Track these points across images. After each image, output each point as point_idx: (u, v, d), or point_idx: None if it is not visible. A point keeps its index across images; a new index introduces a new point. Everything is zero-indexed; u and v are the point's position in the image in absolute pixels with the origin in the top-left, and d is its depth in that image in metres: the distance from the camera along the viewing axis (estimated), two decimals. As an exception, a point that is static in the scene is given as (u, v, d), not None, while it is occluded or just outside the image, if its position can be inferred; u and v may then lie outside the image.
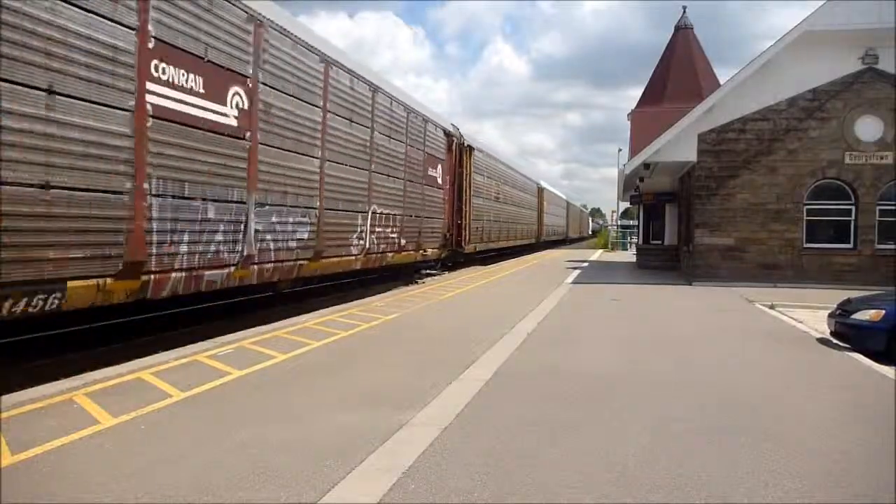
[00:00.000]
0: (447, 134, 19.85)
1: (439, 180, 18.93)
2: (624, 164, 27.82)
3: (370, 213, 13.73)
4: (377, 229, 14.12)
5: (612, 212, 68.46)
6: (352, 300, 13.22)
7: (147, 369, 6.69)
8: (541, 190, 41.55)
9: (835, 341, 8.98)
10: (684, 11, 29.85)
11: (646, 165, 19.11)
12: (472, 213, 22.37)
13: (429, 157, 17.84)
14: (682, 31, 29.47)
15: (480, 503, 3.68)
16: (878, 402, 6.03)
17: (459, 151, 21.08)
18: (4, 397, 5.48)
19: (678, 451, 4.52)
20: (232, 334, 8.85)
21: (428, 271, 20.93)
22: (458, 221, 21.05)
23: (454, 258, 22.10)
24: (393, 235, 15.17)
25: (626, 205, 45.08)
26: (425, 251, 17.71)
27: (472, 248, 23.58)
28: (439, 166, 18.85)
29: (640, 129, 26.40)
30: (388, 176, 14.77)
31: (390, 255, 15.13)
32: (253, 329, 9.30)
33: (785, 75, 17.36)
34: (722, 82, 22.22)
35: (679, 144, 18.21)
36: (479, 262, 26.96)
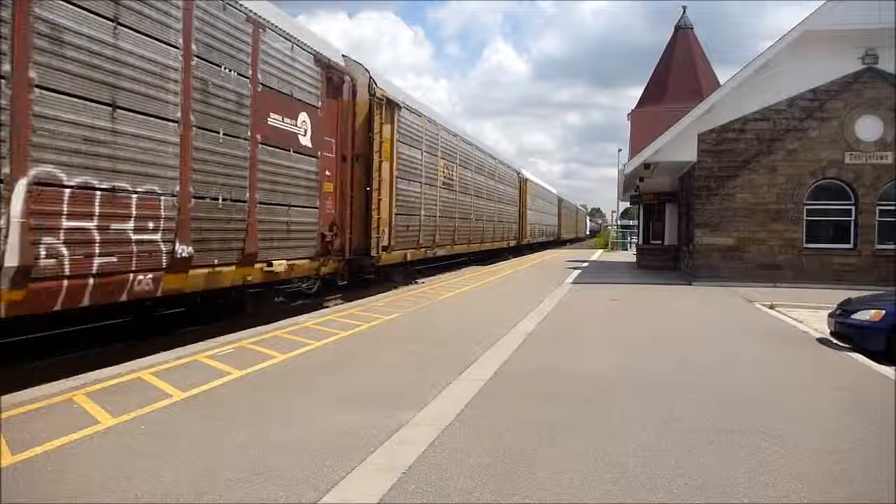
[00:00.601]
0: (327, 66, 11.56)
1: (306, 141, 10.87)
2: (624, 164, 27.82)
3: (22, 187, 5.93)
4: (67, 223, 6.40)
5: (612, 212, 68.45)
6: (352, 300, 13.22)
7: (147, 369, 6.69)
8: (523, 181, 34.67)
9: (835, 341, 8.98)
10: (684, 11, 29.90)
11: (646, 165, 19.11)
12: (394, 204, 14.92)
13: (270, 94, 9.75)
14: (682, 31, 29.47)
15: (480, 503, 3.69)
16: (878, 402, 6.03)
17: (369, 106, 13.41)
18: (4, 397, 5.48)
19: (678, 451, 4.52)
20: (232, 334, 8.85)
21: (301, 299, 13.02)
22: (369, 215, 13.48)
23: (357, 272, 14.03)
24: (150, 237, 7.42)
25: (626, 205, 45.11)
26: (270, 265, 9.84)
27: (400, 257, 15.81)
28: (304, 117, 10.75)
29: (640, 129, 26.40)
30: (114, 108, 6.88)
31: (147, 277, 7.41)
32: (253, 329, 9.29)
33: (785, 75, 17.36)
34: (722, 82, 22.23)
35: (679, 144, 18.22)
36: (421, 274, 19.46)
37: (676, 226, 25.48)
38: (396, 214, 15.19)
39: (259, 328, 9.40)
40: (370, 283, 15.58)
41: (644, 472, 4.13)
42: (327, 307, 12.67)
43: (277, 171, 10.08)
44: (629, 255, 37.73)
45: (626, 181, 24.80)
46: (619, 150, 47.86)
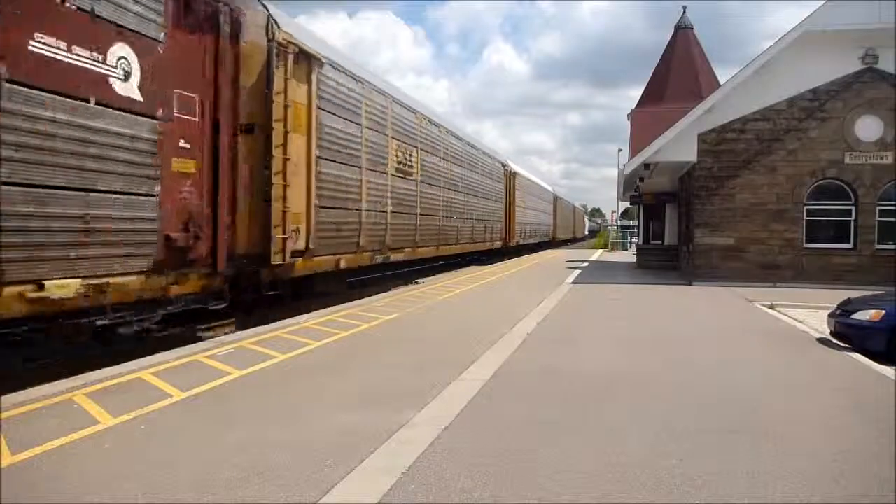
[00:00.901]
0: None
1: (129, 90, 7.15)
2: (624, 164, 27.83)
3: None
4: None
5: (612, 212, 68.48)
6: (352, 300, 13.21)
7: (147, 369, 6.69)
8: (511, 174, 30.69)
9: (835, 341, 8.99)
10: (684, 11, 29.92)
11: (646, 165, 19.11)
12: (315, 193, 10.99)
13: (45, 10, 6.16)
14: (682, 31, 29.50)
15: (480, 503, 3.69)
16: (878, 402, 6.03)
17: (267, 56, 9.64)
18: (4, 397, 5.49)
19: (678, 451, 4.52)
20: (232, 334, 8.85)
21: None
22: (274, 208, 9.74)
23: (256, 287, 10.03)
24: None
25: (626, 205, 45.12)
26: (41, 287, 6.16)
27: (329, 264, 11.91)
28: (125, 52, 7.09)
29: (640, 129, 26.41)
30: None
31: None
32: (253, 329, 9.30)
33: (785, 75, 17.35)
34: (722, 82, 22.23)
35: (679, 144, 18.21)
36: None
37: (676, 226, 25.48)
38: (320, 207, 11.17)
39: (259, 328, 9.40)
40: (281, 302, 11.26)
41: (644, 472, 4.13)
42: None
43: (57, 132, 6.29)
44: (629, 255, 37.72)
45: (626, 181, 24.79)
46: (619, 150, 47.77)
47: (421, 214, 17.37)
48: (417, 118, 17.18)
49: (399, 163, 15.57)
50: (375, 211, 14.04)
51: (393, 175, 15.08)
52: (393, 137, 15.12)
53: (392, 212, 15.04)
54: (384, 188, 14.58)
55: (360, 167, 13.17)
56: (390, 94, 15.21)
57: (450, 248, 20.82)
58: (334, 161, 11.95)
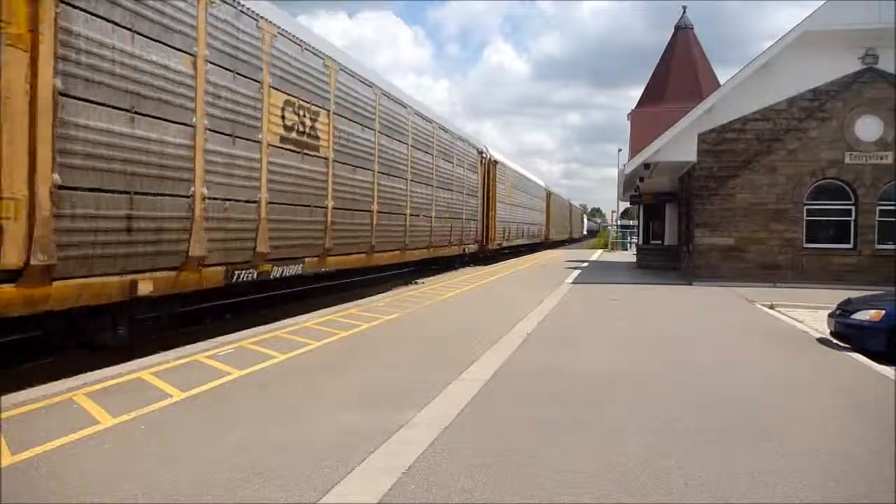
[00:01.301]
0: None
1: None
2: (624, 164, 27.83)
3: None
4: None
5: (612, 212, 68.46)
6: (352, 300, 13.22)
7: (147, 369, 6.69)
8: (490, 163, 26.44)
9: (835, 341, 8.99)
10: (684, 11, 29.91)
11: (646, 165, 19.11)
12: (49, 160, 6.19)
13: None
14: (682, 31, 29.50)
15: (480, 503, 3.69)
16: (878, 402, 6.03)
17: None
18: (4, 397, 5.48)
19: (678, 452, 4.52)
20: (232, 334, 8.85)
21: None
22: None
23: None
24: None
25: (626, 205, 45.09)
26: None
27: (123, 288, 7.23)
28: None
29: (640, 129, 26.40)
30: None
31: None
32: (253, 329, 9.29)
33: (785, 75, 17.35)
34: (722, 82, 22.24)
35: (679, 144, 18.21)
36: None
37: (676, 226, 25.48)
38: (69, 189, 6.52)
39: (259, 328, 9.40)
40: None
41: (644, 472, 4.12)
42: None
43: None
44: (629, 256, 37.72)
45: (626, 181, 24.79)
46: (619, 150, 47.63)
47: (336, 209, 12.39)
48: (329, 68, 12.03)
49: (289, 129, 10.72)
50: (232, 200, 9.23)
51: (276, 147, 10.34)
52: (276, 88, 10.31)
53: (272, 203, 10.22)
54: (255, 165, 9.79)
55: (192, 126, 8.33)
56: (269, 20, 10.07)
57: (391, 254, 15.73)
58: (115, 107, 7.11)
